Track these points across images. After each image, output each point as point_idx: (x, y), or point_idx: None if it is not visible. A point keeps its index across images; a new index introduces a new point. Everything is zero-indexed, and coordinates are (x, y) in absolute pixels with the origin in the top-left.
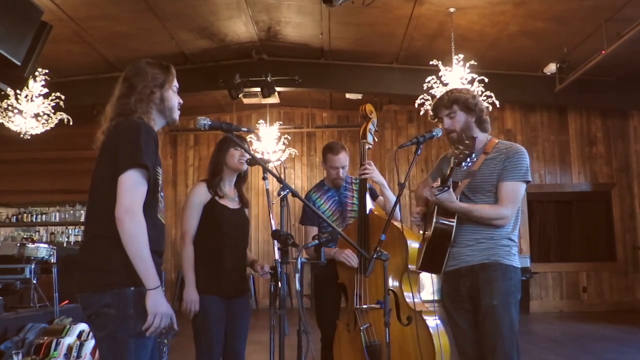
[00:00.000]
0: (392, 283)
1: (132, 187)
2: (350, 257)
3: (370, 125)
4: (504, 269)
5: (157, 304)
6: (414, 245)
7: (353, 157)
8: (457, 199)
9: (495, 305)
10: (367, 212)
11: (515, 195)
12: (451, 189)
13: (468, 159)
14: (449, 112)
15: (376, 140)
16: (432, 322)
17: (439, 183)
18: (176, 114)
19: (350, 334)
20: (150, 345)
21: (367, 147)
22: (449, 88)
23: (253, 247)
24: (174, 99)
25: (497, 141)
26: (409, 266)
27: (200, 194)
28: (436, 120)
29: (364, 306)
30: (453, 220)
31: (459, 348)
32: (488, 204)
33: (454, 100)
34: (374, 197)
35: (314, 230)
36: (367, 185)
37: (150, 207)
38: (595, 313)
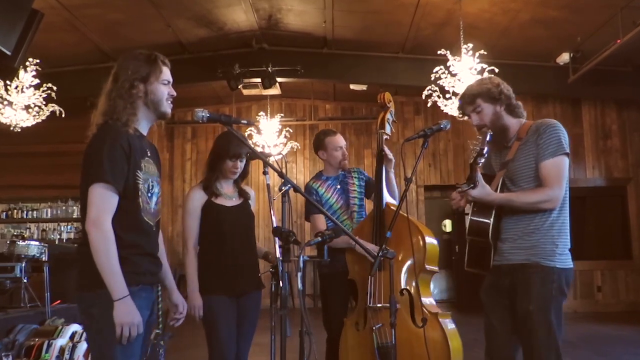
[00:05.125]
0: (407, 282)
1: (97, 199)
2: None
3: (388, 115)
4: (545, 272)
5: (122, 315)
6: (431, 242)
7: (358, 150)
8: (497, 191)
9: (532, 310)
10: (383, 205)
11: (559, 172)
12: (482, 182)
13: (484, 154)
14: (474, 108)
15: (394, 131)
16: (448, 324)
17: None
18: (165, 107)
19: (359, 333)
20: (140, 340)
21: (384, 137)
22: (457, 79)
23: None
24: (161, 92)
25: (531, 124)
26: (426, 266)
27: (196, 199)
28: (466, 117)
29: (378, 305)
30: (489, 217)
31: (487, 349)
32: (529, 189)
33: (476, 94)
34: (369, 194)
35: (323, 218)
36: (368, 179)
37: (130, 213)
38: (611, 313)
